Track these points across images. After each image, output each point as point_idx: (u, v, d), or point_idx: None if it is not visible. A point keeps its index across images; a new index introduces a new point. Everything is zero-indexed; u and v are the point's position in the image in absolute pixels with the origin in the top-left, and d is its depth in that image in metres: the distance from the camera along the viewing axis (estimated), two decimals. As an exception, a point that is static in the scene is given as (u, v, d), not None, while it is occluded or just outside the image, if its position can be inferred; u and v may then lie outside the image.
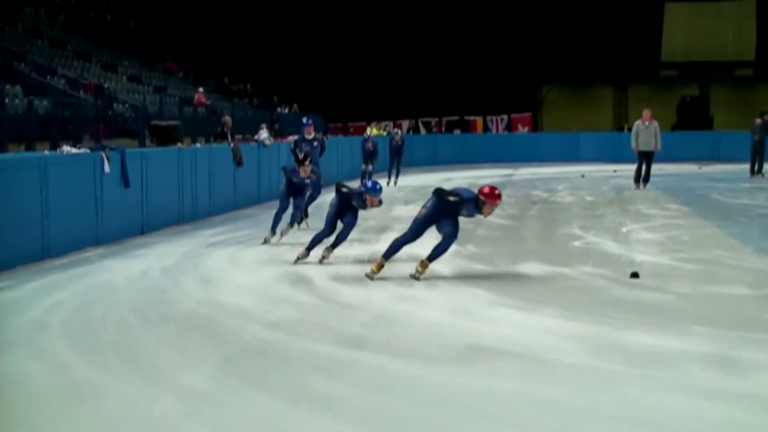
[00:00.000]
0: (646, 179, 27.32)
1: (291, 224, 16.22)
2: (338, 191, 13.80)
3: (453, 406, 6.92)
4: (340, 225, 13.85)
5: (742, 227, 17.57)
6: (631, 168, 29.45)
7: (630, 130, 30.85)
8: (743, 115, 48.51)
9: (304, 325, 9.65)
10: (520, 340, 8.88)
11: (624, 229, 17.09)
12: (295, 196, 16.28)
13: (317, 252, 13.63)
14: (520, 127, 50.76)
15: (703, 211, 20.62)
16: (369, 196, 13.41)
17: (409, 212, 20.63)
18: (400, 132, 32.79)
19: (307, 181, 16.01)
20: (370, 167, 28.39)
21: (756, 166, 32.06)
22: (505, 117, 50.73)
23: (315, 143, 19.37)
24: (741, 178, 31.20)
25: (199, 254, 14.75)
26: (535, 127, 52.68)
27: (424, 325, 9.63)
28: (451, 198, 12.08)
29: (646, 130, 27.25)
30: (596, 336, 8.95)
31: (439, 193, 12.21)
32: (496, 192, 12.06)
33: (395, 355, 8.39)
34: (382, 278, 12.10)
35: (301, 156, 16.26)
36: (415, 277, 12.09)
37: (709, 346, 8.51)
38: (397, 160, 30.68)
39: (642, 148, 27.21)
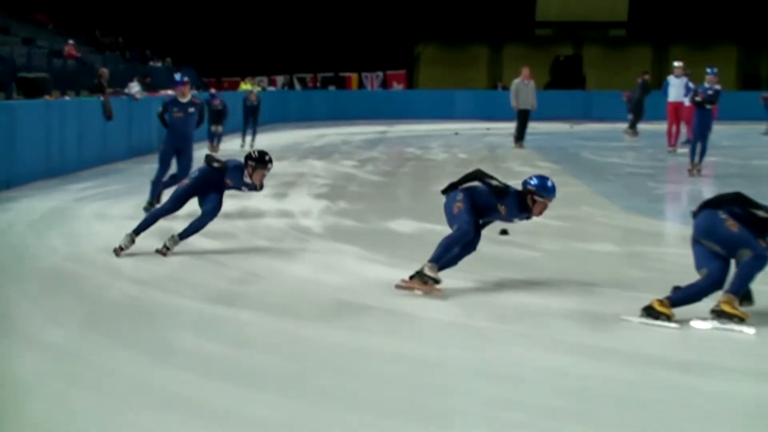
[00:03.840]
0: (522, 137, 27.49)
1: (184, 237, 10.95)
2: (481, 180, 9.44)
3: (322, 362, 6.92)
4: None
5: (611, 185, 17.89)
6: (505, 126, 29.78)
7: (504, 88, 31.09)
8: (616, 75, 49.37)
9: (172, 281, 9.56)
10: (390, 296, 8.90)
11: (495, 187, 17.21)
12: (205, 196, 11.19)
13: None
14: (395, 84, 50.73)
15: (573, 169, 20.91)
16: (540, 200, 9.13)
17: (283, 168, 20.55)
18: (255, 90, 30.07)
19: (245, 188, 11.15)
20: (220, 128, 25.44)
21: (631, 122, 32.59)
22: (381, 74, 50.66)
23: (191, 109, 14.63)
24: (612, 137, 31.66)
25: (66, 209, 14.46)
26: (410, 84, 52.74)
27: (293, 281, 9.61)
28: (762, 214, 8.18)
29: (525, 89, 27.46)
30: (465, 292, 9.02)
31: (726, 203, 8.33)
32: None
33: (264, 311, 8.37)
34: (252, 234, 12.00)
35: (258, 154, 11.06)
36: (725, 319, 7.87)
37: (577, 302, 8.65)
38: (253, 120, 27.69)
39: (522, 106, 27.38)
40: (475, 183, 9.39)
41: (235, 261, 10.48)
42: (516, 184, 9.44)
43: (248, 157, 11.01)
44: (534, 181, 9.16)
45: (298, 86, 50.33)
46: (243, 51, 50.89)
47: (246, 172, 10.92)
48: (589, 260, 10.81)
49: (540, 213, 9.19)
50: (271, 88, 46.55)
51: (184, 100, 14.69)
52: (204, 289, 9.22)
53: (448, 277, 9.47)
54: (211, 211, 11.01)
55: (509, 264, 10.40)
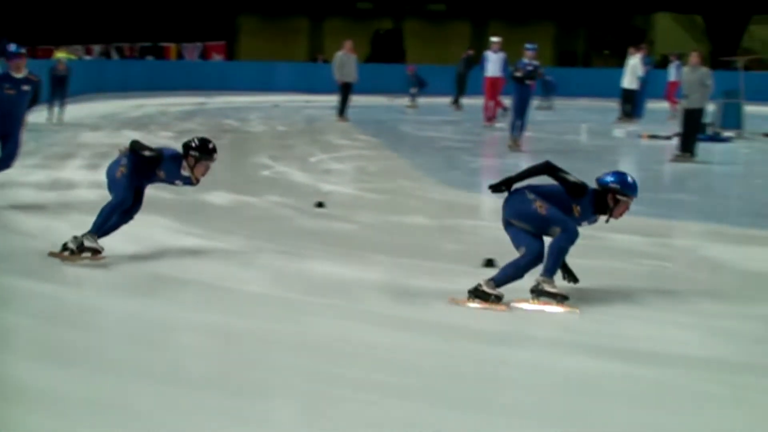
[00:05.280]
0: (344, 110, 27.52)
1: (94, 233, 9.10)
2: (552, 175, 8.07)
3: (133, 336, 6.85)
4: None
5: (428, 159, 18.07)
6: (325, 99, 29.79)
7: (325, 61, 31.15)
8: (436, 50, 49.90)
9: (-22, 254, 9.29)
10: (203, 269, 8.84)
11: (313, 159, 17.25)
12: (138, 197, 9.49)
13: None
14: (214, 55, 50.30)
15: (391, 142, 21.08)
16: (624, 198, 7.92)
17: (98, 139, 20.23)
18: (63, 59, 27.76)
19: (179, 182, 9.49)
20: None
21: (455, 97, 33.16)
22: (200, 45, 50.15)
23: (25, 87, 12.41)
24: (429, 111, 32.11)
25: None
26: (230, 55, 52.39)
27: (105, 254, 9.40)
28: None
29: (349, 61, 27.49)
30: (278, 264, 9.01)
31: None
32: None
33: (75, 285, 8.23)
34: (64, 206, 11.72)
35: (199, 142, 9.44)
36: None
37: (387, 274, 8.71)
38: (61, 92, 25.29)
39: (346, 79, 27.37)
40: (540, 179, 8.12)
41: (45, 233, 10.20)
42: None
43: (187, 146, 9.24)
44: (612, 178, 7.96)
45: (115, 55, 49.42)
46: (58, 18, 49.68)
47: (184, 164, 9.24)
48: (403, 233, 10.89)
49: (621, 214, 8.02)
50: (87, 57, 45.60)
51: (19, 75, 12.43)
52: (13, 262, 8.97)
53: (263, 250, 9.49)
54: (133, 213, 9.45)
55: (324, 236, 10.42)
